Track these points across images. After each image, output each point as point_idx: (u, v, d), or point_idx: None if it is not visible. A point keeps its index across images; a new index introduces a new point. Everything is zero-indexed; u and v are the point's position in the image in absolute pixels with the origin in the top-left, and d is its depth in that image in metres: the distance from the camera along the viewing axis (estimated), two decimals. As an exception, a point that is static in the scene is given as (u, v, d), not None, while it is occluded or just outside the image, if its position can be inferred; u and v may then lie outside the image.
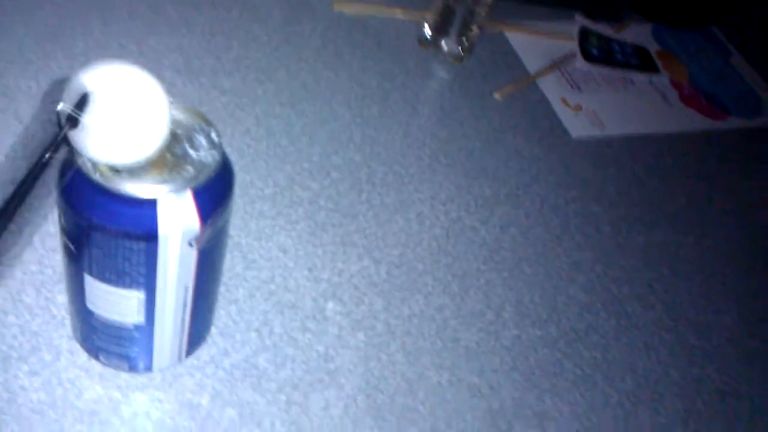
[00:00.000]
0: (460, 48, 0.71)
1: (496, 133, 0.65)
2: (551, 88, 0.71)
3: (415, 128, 0.63)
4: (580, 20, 0.80)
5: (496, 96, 0.69)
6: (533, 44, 0.76)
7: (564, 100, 0.71)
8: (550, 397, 0.47)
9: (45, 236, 0.47)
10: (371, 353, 0.47)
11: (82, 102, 0.31)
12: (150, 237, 0.34)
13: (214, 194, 0.36)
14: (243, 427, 0.42)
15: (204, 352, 0.44)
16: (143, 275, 0.36)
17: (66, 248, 0.37)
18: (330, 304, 0.49)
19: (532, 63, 0.74)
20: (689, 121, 0.73)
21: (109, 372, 0.42)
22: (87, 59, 0.60)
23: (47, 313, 0.44)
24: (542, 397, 0.47)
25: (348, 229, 0.53)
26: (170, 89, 0.65)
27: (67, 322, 0.43)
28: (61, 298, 0.44)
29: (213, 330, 0.45)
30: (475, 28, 0.70)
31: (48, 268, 0.46)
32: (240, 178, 0.55)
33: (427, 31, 0.71)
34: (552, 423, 0.46)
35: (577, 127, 0.68)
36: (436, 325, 0.49)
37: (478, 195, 0.59)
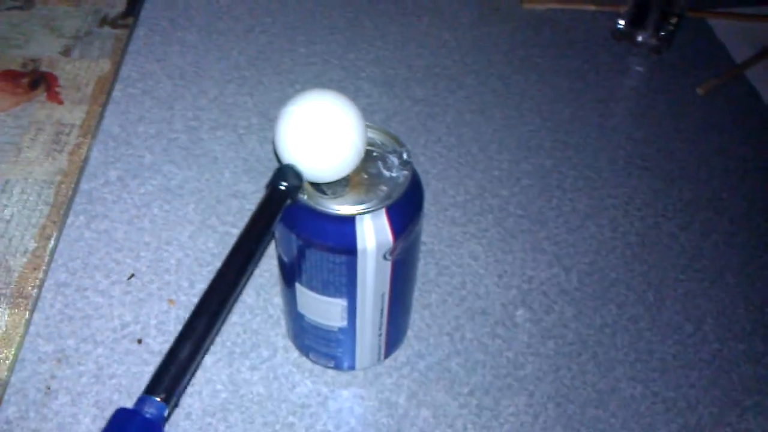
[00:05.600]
0: (657, 39, 0.68)
1: (699, 131, 0.62)
2: (761, 78, 0.66)
3: (608, 129, 0.62)
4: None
5: (699, 91, 0.65)
6: (740, 30, 0.71)
7: (776, 92, 0.65)
8: (753, 416, 0.45)
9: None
10: (561, 362, 0.47)
11: (297, 176, 0.36)
12: (350, 251, 0.37)
13: (406, 211, 0.38)
14: (437, 427, 0.44)
15: (401, 353, 0.47)
16: (345, 285, 0.39)
17: (280, 260, 0.41)
18: (520, 311, 0.50)
19: (738, 52, 0.69)
20: None
21: (317, 369, 0.46)
22: (294, 75, 0.65)
23: (265, 313, 0.49)
24: (744, 415, 0.45)
25: (538, 236, 0.54)
26: (368, 101, 0.68)
27: (282, 321, 0.48)
28: (277, 299, 0.49)
29: (409, 333, 0.48)
30: (674, 17, 0.67)
31: (266, 272, 0.51)
32: (432, 186, 0.57)
33: (622, 23, 0.69)
34: (756, 444, 0.44)
35: (792, 120, 0.63)
36: (630, 336, 0.48)
37: (677, 199, 0.57)
